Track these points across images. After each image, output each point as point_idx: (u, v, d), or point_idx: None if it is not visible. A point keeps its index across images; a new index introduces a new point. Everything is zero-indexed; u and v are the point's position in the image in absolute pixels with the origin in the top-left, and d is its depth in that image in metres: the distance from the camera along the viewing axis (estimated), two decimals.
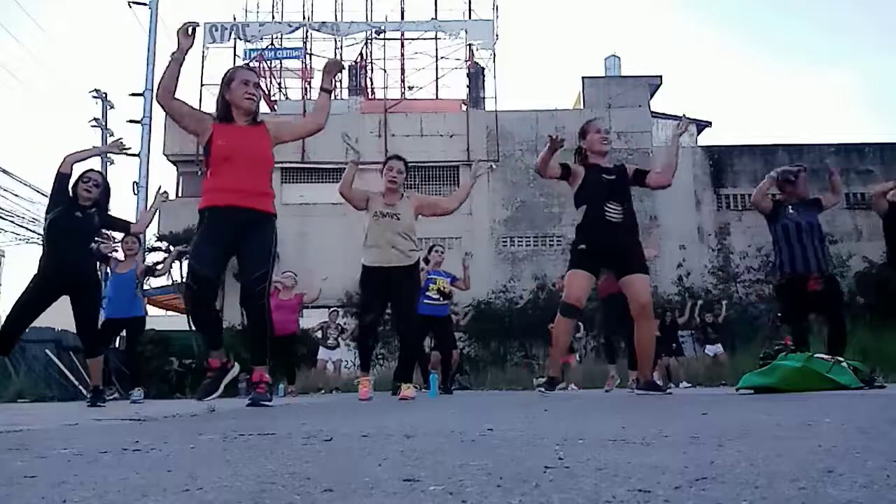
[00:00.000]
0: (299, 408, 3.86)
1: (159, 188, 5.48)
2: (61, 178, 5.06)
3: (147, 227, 5.53)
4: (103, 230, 5.59)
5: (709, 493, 0.80)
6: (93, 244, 5.36)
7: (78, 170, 5.14)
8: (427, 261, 7.56)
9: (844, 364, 4.30)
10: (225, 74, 3.74)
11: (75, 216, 5.03)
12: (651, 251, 7.09)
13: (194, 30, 3.57)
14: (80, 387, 5.90)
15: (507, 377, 11.91)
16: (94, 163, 17.42)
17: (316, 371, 11.28)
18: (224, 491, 0.91)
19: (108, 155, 17.34)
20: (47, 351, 10.14)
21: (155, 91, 3.74)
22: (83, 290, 5.10)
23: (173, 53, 3.54)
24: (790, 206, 5.03)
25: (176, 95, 3.59)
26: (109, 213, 5.41)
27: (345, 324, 12.26)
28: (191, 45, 3.58)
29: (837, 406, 2.48)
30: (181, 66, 3.56)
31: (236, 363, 3.76)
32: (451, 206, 5.01)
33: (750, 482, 0.86)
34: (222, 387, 3.54)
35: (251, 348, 3.78)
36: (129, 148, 5.15)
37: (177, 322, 15.66)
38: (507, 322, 15.41)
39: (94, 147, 5.04)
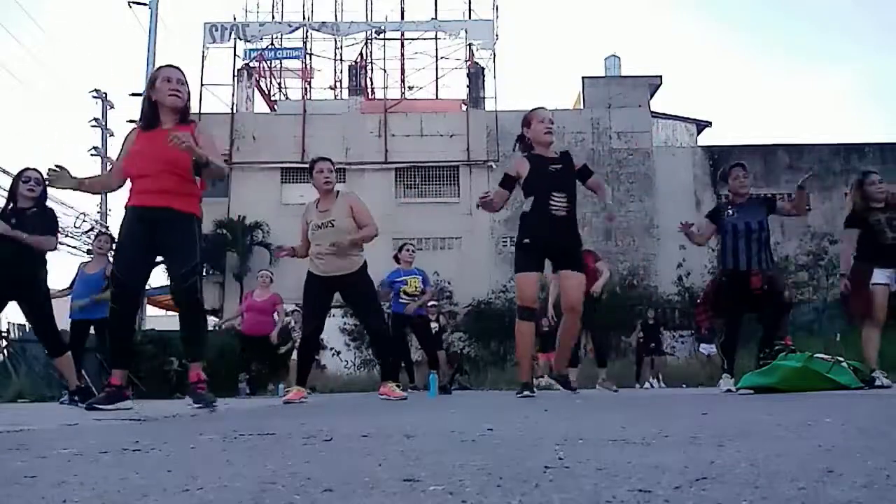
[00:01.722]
0: (299, 408, 3.86)
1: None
2: None
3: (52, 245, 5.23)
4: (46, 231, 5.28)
5: (709, 493, 0.80)
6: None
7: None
8: (398, 259, 7.54)
9: (844, 364, 4.30)
10: (150, 77, 3.65)
11: (8, 222, 4.76)
12: (601, 278, 6.84)
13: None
14: (92, 386, 5.75)
15: (507, 377, 11.89)
16: (96, 162, 17.48)
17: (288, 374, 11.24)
18: (224, 491, 0.91)
19: (108, 156, 17.36)
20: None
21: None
22: (25, 297, 4.88)
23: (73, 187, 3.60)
24: (729, 209, 4.98)
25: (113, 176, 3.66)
26: (47, 212, 5.09)
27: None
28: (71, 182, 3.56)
29: (837, 406, 2.48)
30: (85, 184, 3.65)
31: (132, 403, 3.62)
32: (367, 235, 4.66)
33: (750, 482, 0.86)
34: (114, 407, 3.37)
35: (186, 344, 3.69)
36: None
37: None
38: (507, 322, 15.38)
39: None
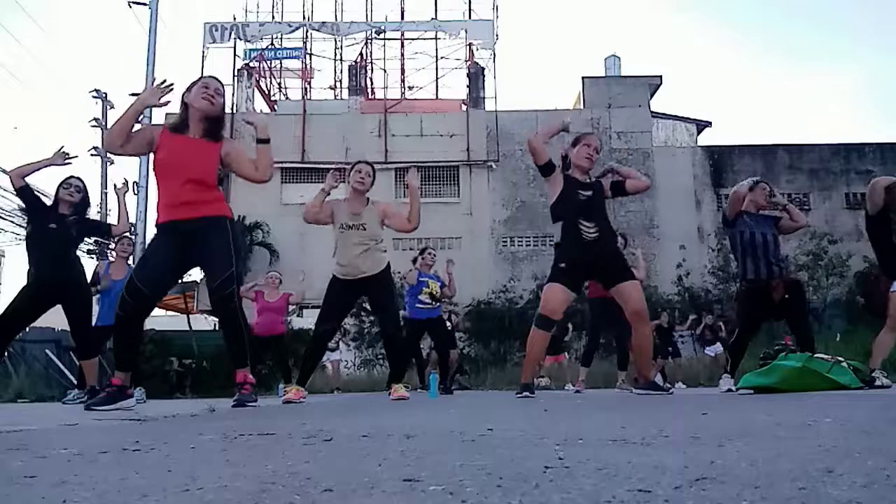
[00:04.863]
0: (299, 408, 3.85)
1: (60, 147, 5.05)
2: (20, 192, 5.04)
3: (128, 222, 5.51)
4: (85, 237, 5.53)
5: (709, 493, 0.80)
6: (76, 251, 5.28)
7: (35, 180, 5.09)
8: (416, 262, 7.56)
9: (844, 364, 4.30)
10: (190, 84, 3.65)
11: (49, 227, 4.97)
12: (638, 272, 7.07)
13: (169, 89, 3.49)
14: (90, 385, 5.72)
15: (507, 377, 11.90)
16: (97, 162, 17.48)
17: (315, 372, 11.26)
18: (224, 491, 0.91)
19: (108, 155, 17.35)
20: (47, 351, 10.16)
21: (107, 138, 3.59)
22: (70, 298, 5.08)
23: (139, 101, 3.48)
24: (745, 216, 5.02)
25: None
26: (88, 218, 5.38)
27: (344, 324, 12.28)
28: (157, 103, 3.50)
29: (837, 406, 2.48)
30: (140, 113, 3.54)
31: (135, 399, 3.69)
32: (409, 227, 4.78)
33: (750, 482, 0.86)
34: (114, 407, 3.41)
35: (230, 352, 3.71)
36: (75, 157, 4.99)
37: (177, 322, 15.66)
38: (507, 322, 15.42)
39: (42, 160, 5.00)
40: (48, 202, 5.27)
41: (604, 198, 4.48)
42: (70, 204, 5.09)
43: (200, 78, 3.67)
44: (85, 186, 5.25)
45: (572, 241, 4.30)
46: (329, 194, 4.67)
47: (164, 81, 3.49)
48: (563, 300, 4.35)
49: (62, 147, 5.00)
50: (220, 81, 3.69)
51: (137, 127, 3.56)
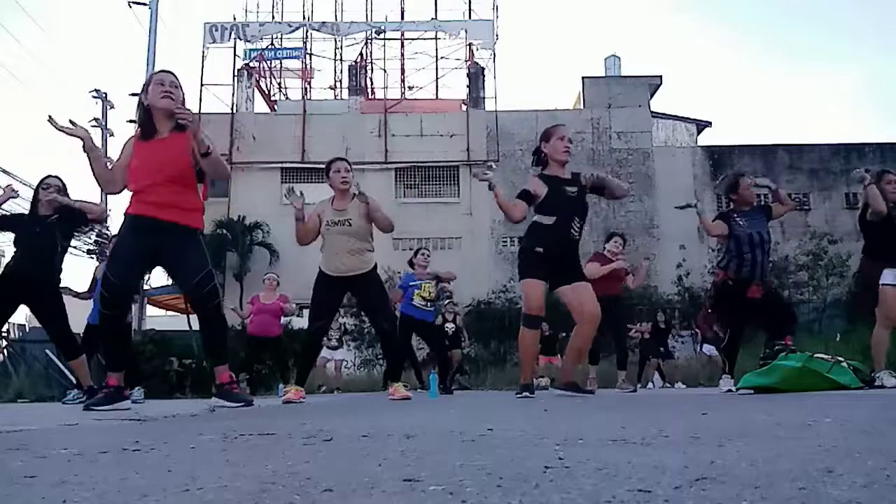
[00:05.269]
0: (299, 408, 3.85)
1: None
2: None
3: (94, 205, 5.45)
4: (72, 232, 5.44)
5: (709, 493, 0.80)
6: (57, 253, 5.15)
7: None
8: (412, 264, 7.55)
9: (844, 364, 4.30)
10: (144, 84, 3.59)
11: (32, 229, 4.93)
12: (636, 278, 7.23)
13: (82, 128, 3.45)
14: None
15: (507, 377, 11.90)
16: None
17: (316, 370, 11.25)
18: (224, 491, 0.91)
19: (108, 155, 17.35)
20: (47, 351, 10.14)
21: (101, 188, 3.61)
22: (38, 298, 4.97)
23: (83, 147, 3.41)
24: (737, 216, 4.98)
25: (113, 170, 3.53)
26: (70, 215, 5.19)
27: (345, 323, 12.28)
28: (86, 134, 3.43)
29: (837, 406, 2.48)
30: (97, 153, 3.50)
31: (130, 403, 3.71)
32: (384, 230, 4.76)
33: (750, 482, 0.86)
34: (112, 407, 3.40)
35: (211, 349, 3.68)
36: (17, 192, 5.10)
37: (177, 322, 15.65)
38: (507, 322, 15.41)
39: None
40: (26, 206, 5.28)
41: (586, 193, 4.43)
42: (51, 206, 4.96)
43: (152, 76, 3.58)
44: (64, 185, 5.10)
45: (557, 234, 4.23)
46: (304, 219, 4.61)
47: (50, 119, 3.41)
48: (542, 293, 4.32)
49: (8, 185, 5.10)
50: (173, 74, 3.56)
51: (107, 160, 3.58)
